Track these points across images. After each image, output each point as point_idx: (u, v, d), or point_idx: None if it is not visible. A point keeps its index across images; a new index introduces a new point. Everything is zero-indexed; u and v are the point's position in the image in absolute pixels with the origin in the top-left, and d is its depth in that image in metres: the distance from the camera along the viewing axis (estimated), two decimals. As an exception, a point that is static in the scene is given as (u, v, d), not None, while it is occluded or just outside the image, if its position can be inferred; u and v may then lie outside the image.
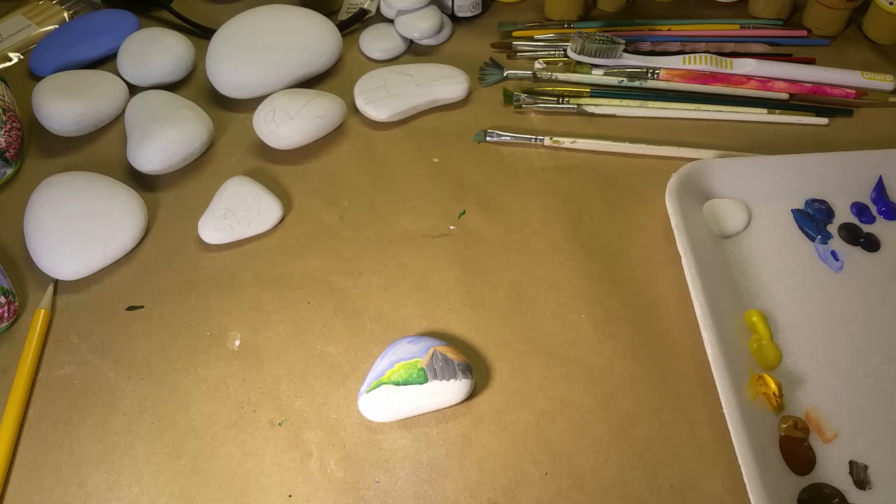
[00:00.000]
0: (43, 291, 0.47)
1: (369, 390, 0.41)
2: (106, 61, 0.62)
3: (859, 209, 0.49)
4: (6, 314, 0.45)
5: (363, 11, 0.64)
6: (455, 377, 0.40)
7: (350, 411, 0.42)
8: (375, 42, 0.61)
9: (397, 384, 0.40)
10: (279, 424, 0.41)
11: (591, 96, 0.57)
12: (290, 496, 0.39)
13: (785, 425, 0.39)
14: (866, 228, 0.48)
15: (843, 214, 0.49)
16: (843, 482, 0.38)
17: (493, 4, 0.66)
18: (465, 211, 0.51)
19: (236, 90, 0.57)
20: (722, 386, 0.38)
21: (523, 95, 0.57)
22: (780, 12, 0.63)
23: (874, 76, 0.57)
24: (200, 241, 0.49)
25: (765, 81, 0.56)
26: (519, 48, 0.61)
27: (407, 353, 0.41)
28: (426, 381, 0.40)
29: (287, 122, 0.52)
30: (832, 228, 0.48)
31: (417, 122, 0.57)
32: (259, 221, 0.50)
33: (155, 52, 0.58)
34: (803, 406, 0.40)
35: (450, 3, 0.63)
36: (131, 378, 0.43)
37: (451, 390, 0.40)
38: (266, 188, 0.51)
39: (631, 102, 0.56)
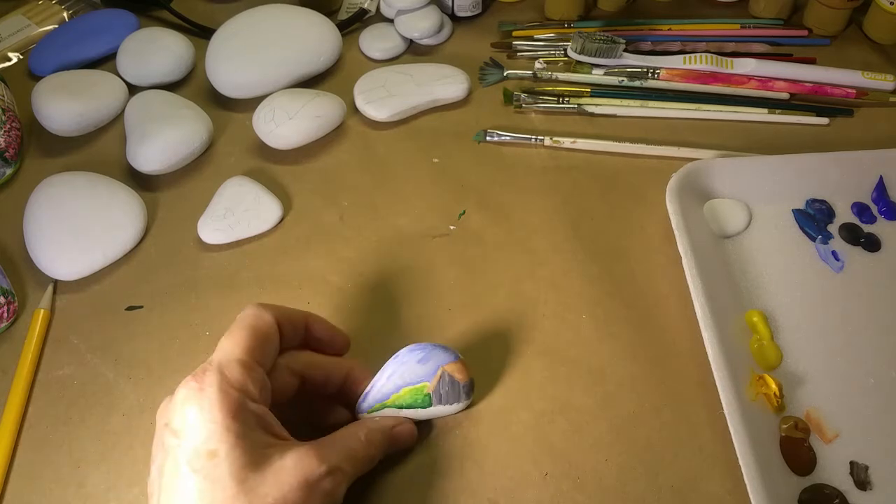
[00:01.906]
0: (42, 291, 0.47)
1: (371, 412, 0.39)
2: (105, 61, 0.62)
3: (860, 209, 0.48)
4: (5, 314, 0.45)
5: (363, 11, 0.64)
6: (458, 400, 0.39)
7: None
8: (375, 42, 0.61)
9: (400, 408, 0.39)
10: (279, 425, 0.41)
11: (592, 96, 0.57)
12: (289, 496, 0.39)
13: (785, 426, 0.39)
14: (867, 228, 0.48)
15: (844, 214, 0.48)
16: (843, 483, 0.38)
17: (493, 4, 0.66)
18: (465, 211, 0.51)
19: (236, 90, 0.57)
20: (722, 386, 0.38)
21: (523, 95, 0.57)
22: (781, 12, 0.63)
23: (875, 76, 0.56)
24: (200, 241, 0.49)
25: (765, 81, 0.56)
26: (519, 48, 0.61)
27: (414, 375, 0.38)
28: (430, 405, 0.39)
29: (287, 122, 0.52)
30: (833, 228, 0.48)
31: (417, 121, 0.57)
32: (259, 221, 0.49)
33: (154, 51, 0.58)
34: (804, 406, 0.40)
35: (450, 3, 0.62)
36: (131, 378, 0.43)
37: (450, 410, 0.39)
38: (266, 188, 0.51)
39: (631, 102, 0.56)
